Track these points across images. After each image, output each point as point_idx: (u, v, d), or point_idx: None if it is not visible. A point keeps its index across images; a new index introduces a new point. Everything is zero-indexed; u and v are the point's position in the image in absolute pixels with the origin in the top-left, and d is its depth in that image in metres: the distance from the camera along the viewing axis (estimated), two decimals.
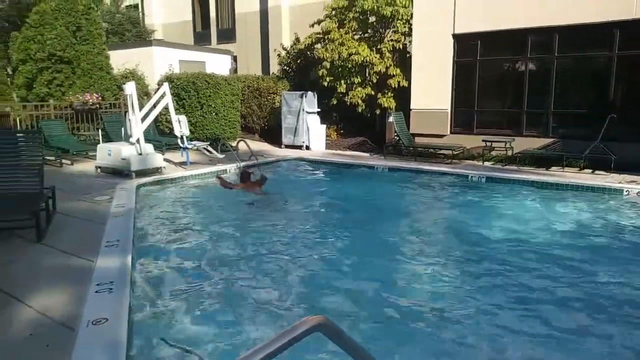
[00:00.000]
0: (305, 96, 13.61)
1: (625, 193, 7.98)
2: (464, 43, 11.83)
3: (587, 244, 5.89)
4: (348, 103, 13.56)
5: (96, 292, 3.86)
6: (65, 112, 12.43)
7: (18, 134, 7.15)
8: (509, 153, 10.84)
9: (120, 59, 15.11)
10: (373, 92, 13.40)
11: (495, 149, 11.01)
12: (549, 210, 7.33)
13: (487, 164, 10.89)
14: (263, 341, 1.45)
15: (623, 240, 6.03)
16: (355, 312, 4.10)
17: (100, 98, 12.96)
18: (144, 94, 14.01)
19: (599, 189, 8.23)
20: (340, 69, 13.46)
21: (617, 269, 5.06)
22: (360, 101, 13.39)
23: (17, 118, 11.62)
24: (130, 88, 9.08)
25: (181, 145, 10.35)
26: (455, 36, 11.77)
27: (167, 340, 3.49)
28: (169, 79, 13.10)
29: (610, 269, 5.06)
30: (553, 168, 10.04)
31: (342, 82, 13.48)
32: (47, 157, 10.39)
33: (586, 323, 3.94)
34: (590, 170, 9.67)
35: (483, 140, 10.99)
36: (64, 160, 10.48)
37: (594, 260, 5.31)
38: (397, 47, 13.29)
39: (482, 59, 11.69)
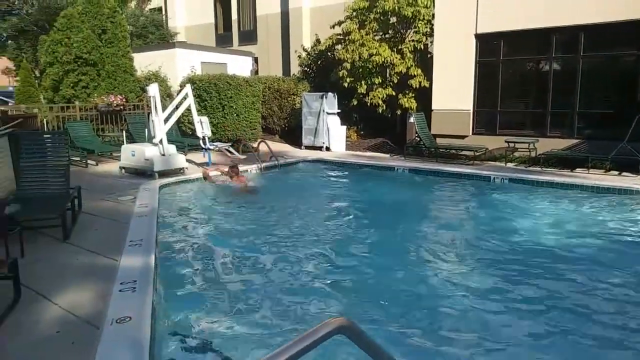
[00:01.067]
0: (326, 97, 13.62)
1: None
2: (486, 43, 11.68)
3: (611, 247, 5.76)
4: (368, 104, 13.51)
5: (120, 290, 3.92)
6: (90, 113, 12.69)
7: (45, 135, 7.32)
8: (533, 154, 10.66)
9: (143, 61, 15.35)
10: (394, 93, 13.33)
11: (519, 150, 10.84)
12: (573, 213, 7.19)
13: (509, 165, 10.73)
14: (286, 342, 1.46)
15: None
16: (377, 313, 4.09)
17: (124, 100, 13.17)
18: (166, 96, 14.19)
19: (626, 192, 8.02)
20: (360, 70, 13.43)
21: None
22: (380, 102, 13.33)
23: (44, 119, 11.90)
24: (153, 90, 9.21)
25: (203, 146, 10.45)
26: (477, 36, 11.63)
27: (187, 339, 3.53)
28: (191, 80, 13.26)
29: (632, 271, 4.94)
30: (578, 170, 9.84)
31: (363, 82, 13.45)
32: (73, 158, 10.62)
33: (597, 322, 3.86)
34: (616, 172, 9.44)
35: (506, 141, 10.83)
36: (89, 161, 10.69)
37: (616, 264, 5.18)
38: (419, 48, 13.20)
39: (505, 59, 11.53)
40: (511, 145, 10.77)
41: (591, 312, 4.11)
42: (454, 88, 11.99)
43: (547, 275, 4.89)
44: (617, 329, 3.83)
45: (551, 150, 10.37)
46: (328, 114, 13.57)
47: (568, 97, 10.70)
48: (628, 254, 5.60)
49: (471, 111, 11.96)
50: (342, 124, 13.90)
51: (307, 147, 14.02)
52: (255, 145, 11.71)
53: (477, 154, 11.02)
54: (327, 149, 13.63)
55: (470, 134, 11.99)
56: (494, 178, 9.31)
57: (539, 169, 10.14)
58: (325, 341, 1.51)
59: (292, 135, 15.19)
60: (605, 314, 4.08)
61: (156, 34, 22.29)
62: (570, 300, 4.32)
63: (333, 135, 13.60)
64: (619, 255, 5.52)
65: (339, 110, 13.91)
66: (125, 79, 13.66)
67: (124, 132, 12.02)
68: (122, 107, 13.01)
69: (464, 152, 11.39)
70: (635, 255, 5.56)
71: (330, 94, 13.74)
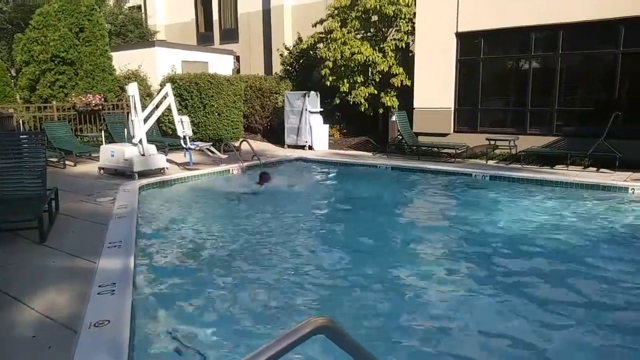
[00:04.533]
0: (308, 96, 13.59)
1: (630, 191, 7.91)
2: (467, 41, 11.78)
3: (588, 242, 5.84)
4: (351, 102, 13.53)
5: (98, 293, 3.84)
6: (68, 113, 12.46)
7: (21, 136, 7.16)
8: (513, 151, 10.78)
9: (123, 60, 15.12)
10: (376, 92, 13.36)
11: (499, 147, 10.95)
12: (552, 209, 7.28)
13: (490, 162, 10.83)
14: (266, 343, 1.42)
15: (626, 239, 5.98)
16: (352, 312, 4.08)
17: (103, 99, 12.97)
18: (146, 95, 14.00)
19: (604, 188, 8.16)
20: (343, 69, 13.43)
21: (619, 266, 5.01)
22: (363, 100, 13.35)
23: (21, 120, 11.64)
24: (132, 89, 9.08)
25: (184, 145, 10.33)
26: (458, 34, 11.72)
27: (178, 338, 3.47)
28: (171, 79, 13.10)
29: (611, 266, 5.01)
30: (557, 166, 9.98)
31: (345, 81, 13.45)
32: (51, 159, 10.42)
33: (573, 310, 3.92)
34: (594, 169, 9.60)
35: (487, 139, 10.93)
36: (67, 162, 10.49)
37: (594, 257, 5.27)
38: (400, 46, 13.24)
39: (486, 57, 11.64)
40: (492, 142, 10.88)
41: (567, 303, 4.17)
42: (435, 86, 12.07)
43: (524, 267, 4.99)
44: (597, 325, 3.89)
45: (531, 148, 10.50)
46: (310, 112, 13.54)
47: (547, 95, 10.85)
48: (603, 247, 5.69)
49: (452, 109, 12.05)
50: (324, 123, 13.89)
51: (290, 146, 13.97)
52: (237, 144, 11.63)
53: (459, 151, 11.11)
54: (310, 147, 13.61)
55: (452, 132, 12.08)
56: (475, 175, 9.40)
57: (520, 166, 10.26)
58: (305, 341, 1.48)
59: (275, 134, 15.13)
60: (582, 307, 4.14)
61: (135, 32, 21.98)
62: (543, 290, 4.39)
63: (316, 134, 13.58)
64: (594, 249, 5.62)
65: (322, 109, 13.90)
66: (104, 78, 13.45)
67: (102, 132, 11.83)
68: (100, 106, 12.82)
69: (445, 150, 11.47)
70: (609, 249, 5.65)
71: (312, 92, 13.72)
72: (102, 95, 12.98)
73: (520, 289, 4.51)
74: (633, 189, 7.92)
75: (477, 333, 3.73)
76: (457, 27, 11.59)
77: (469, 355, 3.47)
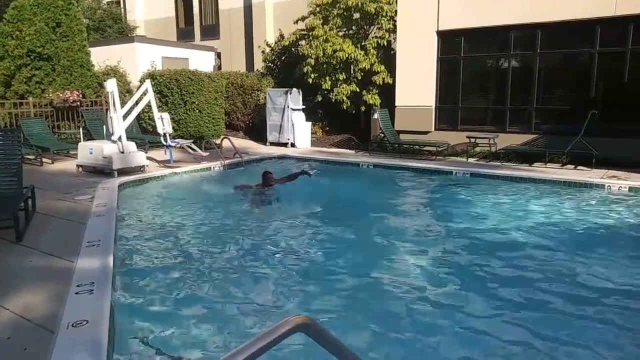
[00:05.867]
0: (290, 93, 13.56)
1: (606, 188, 8.08)
2: (447, 40, 11.89)
3: (564, 237, 5.96)
4: (333, 100, 13.54)
5: (76, 293, 3.77)
6: (46, 109, 12.21)
7: None
8: (493, 149, 10.92)
9: (101, 56, 14.88)
10: (358, 89, 13.40)
11: (479, 145, 11.08)
12: (529, 206, 7.40)
13: (471, 160, 10.95)
14: (245, 342, 1.42)
15: (602, 235, 6.11)
16: (338, 309, 4.09)
17: (81, 95, 12.75)
18: (126, 91, 13.81)
19: (581, 185, 8.32)
20: (325, 66, 13.43)
21: (593, 261, 5.13)
22: (345, 98, 13.37)
23: None
24: (111, 85, 8.94)
25: (164, 143, 10.23)
26: (439, 33, 11.81)
27: (147, 342, 3.44)
28: (151, 75, 12.94)
29: (588, 261, 5.12)
30: (536, 164, 10.14)
31: (327, 78, 13.45)
32: (27, 156, 10.22)
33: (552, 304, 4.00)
34: (572, 166, 9.78)
35: (467, 137, 11.06)
36: (44, 159, 10.28)
37: (568, 252, 5.39)
38: (382, 44, 13.30)
39: (466, 56, 11.76)
40: (472, 140, 11.00)
41: (543, 299, 4.25)
42: (416, 84, 12.15)
43: (503, 263, 5.07)
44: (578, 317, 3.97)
45: (510, 145, 10.65)
46: (293, 110, 13.52)
47: (526, 94, 11.02)
48: (578, 242, 5.81)
49: (433, 107, 12.15)
50: (307, 120, 13.88)
51: (272, 144, 13.93)
52: (218, 142, 11.55)
53: (440, 149, 11.21)
54: (293, 145, 13.59)
55: (433, 129, 12.18)
56: (456, 173, 9.50)
57: (499, 163, 10.40)
58: (285, 339, 1.48)
59: (257, 131, 15.06)
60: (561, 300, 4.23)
61: (114, 27, 21.68)
62: (521, 286, 4.48)
63: (298, 131, 13.56)
64: (570, 244, 5.73)
65: (304, 106, 13.89)
66: (82, 74, 13.20)
67: (81, 129, 11.63)
68: (79, 103, 12.59)
69: (427, 148, 11.56)
70: (585, 242, 5.78)
71: (294, 89, 13.69)
72: (80, 92, 12.76)
73: (497, 282, 4.58)
74: (609, 186, 8.09)
75: (458, 328, 3.78)
76: (437, 25, 11.68)
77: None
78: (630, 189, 7.93)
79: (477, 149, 11.18)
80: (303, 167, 8.66)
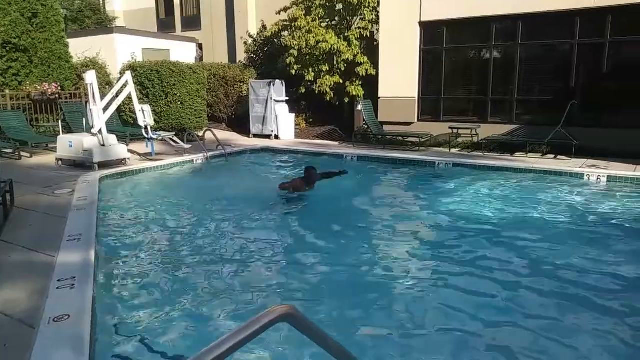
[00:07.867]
0: (273, 84, 13.48)
1: (585, 177, 8.23)
2: (430, 31, 11.91)
3: (545, 226, 6.06)
4: (316, 91, 13.50)
5: (58, 288, 3.72)
6: (23, 102, 11.95)
7: None
8: (475, 139, 11.02)
9: (80, 47, 14.58)
10: (341, 81, 13.37)
11: (462, 135, 11.17)
12: (512, 194, 7.50)
13: (453, 150, 11.04)
14: (228, 332, 1.42)
15: (582, 223, 6.23)
16: (324, 301, 4.11)
17: (59, 88, 12.51)
18: (105, 83, 13.58)
19: (561, 174, 8.46)
20: (308, 57, 13.36)
21: (573, 250, 5.23)
22: (328, 89, 13.34)
23: None
24: (90, 77, 8.78)
25: (146, 135, 10.10)
26: (421, 24, 11.83)
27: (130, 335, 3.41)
28: (131, 67, 12.75)
29: (569, 249, 5.22)
30: (517, 154, 10.27)
31: (310, 70, 13.40)
32: (4, 150, 10.02)
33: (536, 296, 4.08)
34: (552, 156, 9.92)
35: (450, 128, 11.13)
36: (22, 153, 10.08)
37: (550, 241, 5.47)
38: (365, 35, 13.28)
39: (448, 47, 11.81)
40: (455, 131, 11.08)
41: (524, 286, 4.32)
42: (399, 75, 12.17)
43: (487, 250, 5.14)
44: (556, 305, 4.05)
45: (492, 136, 10.76)
46: (276, 101, 13.45)
47: (507, 84, 11.12)
48: (561, 229, 5.92)
49: (416, 98, 12.20)
50: (290, 112, 13.83)
51: (256, 136, 13.86)
52: (200, 134, 11.44)
53: (423, 140, 11.27)
54: (276, 137, 13.54)
55: (416, 120, 12.24)
56: (438, 163, 9.56)
57: (481, 153, 10.50)
58: (268, 329, 1.48)
59: (240, 123, 14.96)
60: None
61: (93, 18, 21.28)
62: (504, 273, 4.55)
63: (282, 123, 13.50)
64: (554, 231, 5.82)
65: (287, 98, 13.83)
66: (61, 65, 12.95)
67: (60, 122, 11.41)
68: (57, 95, 12.35)
69: (410, 139, 11.62)
70: (567, 230, 5.89)
71: (277, 81, 13.61)
72: (58, 84, 12.52)
73: (482, 270, 4.64)
74: (588, 175, 8.24)
75: (445, 316, 3.82)
76: (420, 16, 11.69)
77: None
78: (609, 177, 8.09)
79: (460, 140, 11.27)
80: (340, 167, 8.39)
